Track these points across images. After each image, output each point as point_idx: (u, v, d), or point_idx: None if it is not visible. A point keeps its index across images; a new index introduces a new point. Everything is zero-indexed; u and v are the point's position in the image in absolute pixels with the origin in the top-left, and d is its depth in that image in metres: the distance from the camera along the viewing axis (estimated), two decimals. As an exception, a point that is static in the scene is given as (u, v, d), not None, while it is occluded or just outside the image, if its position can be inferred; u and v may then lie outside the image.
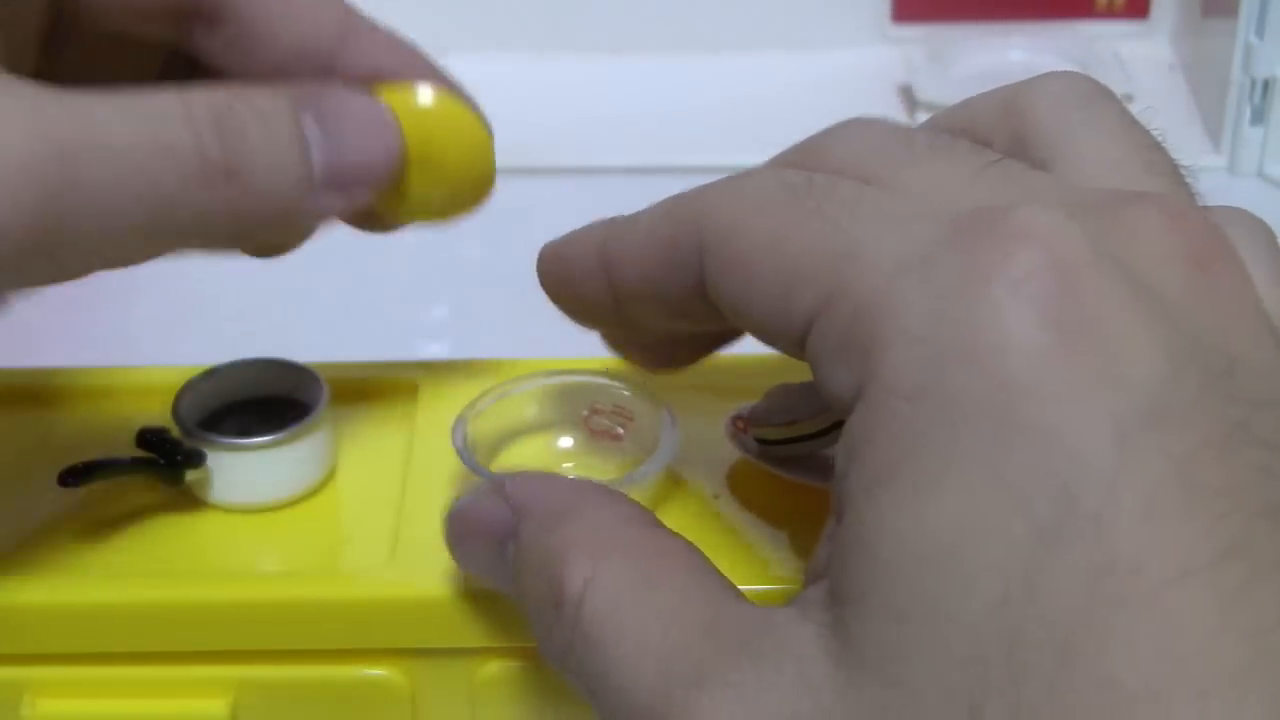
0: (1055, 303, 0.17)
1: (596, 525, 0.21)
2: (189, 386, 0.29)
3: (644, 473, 0.27)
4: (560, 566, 0.21)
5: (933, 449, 0.17)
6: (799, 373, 0.30)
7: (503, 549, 0.23)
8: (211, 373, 0.29)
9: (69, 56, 0.27)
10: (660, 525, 0.22)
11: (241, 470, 0.28)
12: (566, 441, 0.29)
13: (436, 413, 0.31)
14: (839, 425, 0.28)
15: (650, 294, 0.23)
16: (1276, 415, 0.17)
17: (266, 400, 0.29)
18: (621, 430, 0.29)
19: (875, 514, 0.17)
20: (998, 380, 0.17)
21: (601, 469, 0.29)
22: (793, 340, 0.20)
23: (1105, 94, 0.23)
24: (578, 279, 0.24)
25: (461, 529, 0.24)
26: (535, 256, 0.27)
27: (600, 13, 0.67)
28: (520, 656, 0.27)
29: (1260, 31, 0.56)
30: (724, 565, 0.26)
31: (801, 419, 0.28)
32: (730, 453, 0.29)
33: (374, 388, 0.32)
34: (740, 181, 0.22)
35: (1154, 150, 0.22)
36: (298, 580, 0.27)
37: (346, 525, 0.28)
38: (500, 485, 0.23)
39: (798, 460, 0.28)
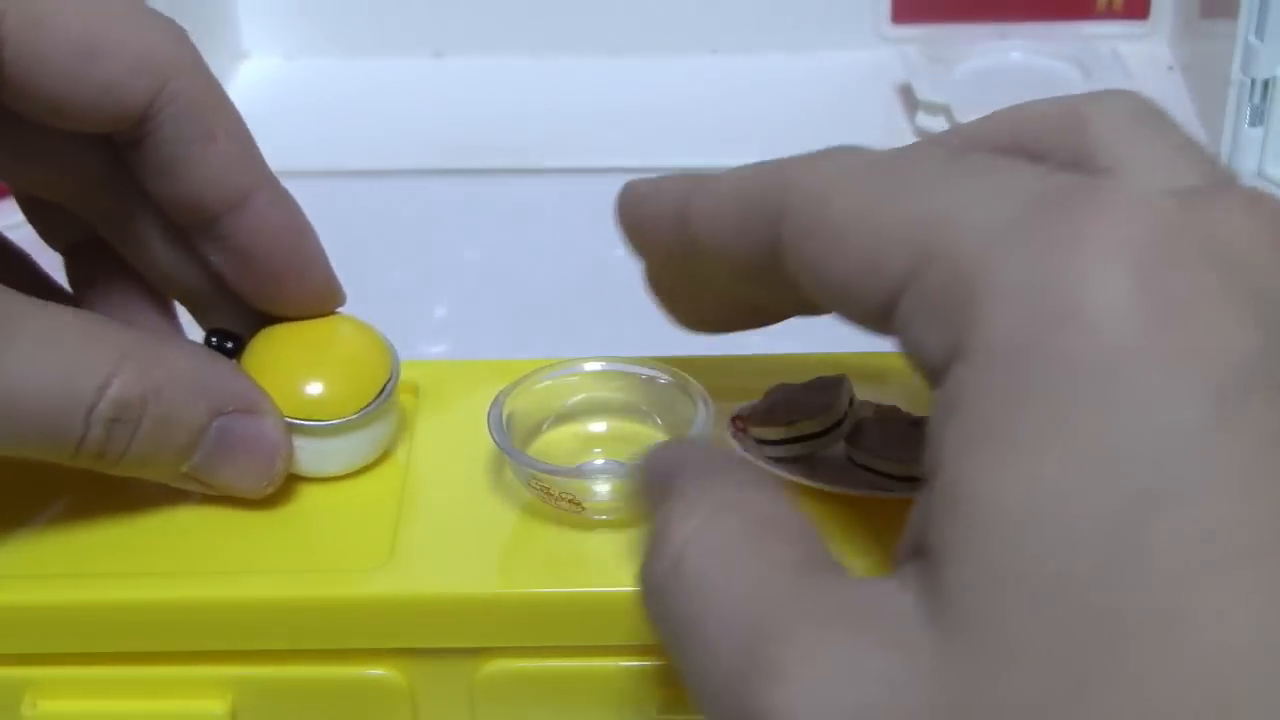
0: (1154, 272, 0.17)
1: (710, 481, 0.22)
2: None
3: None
4: (669, 512, 0.21)
5: (1034, 409, 0.17)
6: (799, 373, 0.30)
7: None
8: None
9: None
10: (780, 496, 0.22)
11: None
12: (599, 426, 0.30)
13: (436, 413, 0.31)
14: (839, 425, 0.28)
15: (722, 252, 0.23)
16: None
17: None
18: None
19: (974, 472, 0.18)
20: (1098, 344, 0.17)
21: (633, 454, 0.29)
22: (875, 306, 0.20)
23: (1163, 113, 0.23)
24: (655, 226, 0.25)
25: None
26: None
27: (600, 13, 0.67)
28: (520, 656, 0.27)
29: (1260, 32, 0.56)
30: (724, 565, 0.27)
31: (801, 419, 0.28)
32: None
33: (374, 388, 0.32)
34: (827, 153, 0.22)
35: (1214, 166, 0.22)
36: (298, 580, 0.27)
37: (346, 525, 0.28)
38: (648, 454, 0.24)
39: (798, 460, 0.28)
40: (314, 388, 0.28)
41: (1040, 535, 0.17)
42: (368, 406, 0.29)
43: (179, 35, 0.28)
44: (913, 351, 0.20)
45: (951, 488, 0.18)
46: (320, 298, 0.30)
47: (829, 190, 0.21)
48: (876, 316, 0.20)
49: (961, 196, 0.19)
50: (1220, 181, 0.22)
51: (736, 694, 0.19)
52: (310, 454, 0.29)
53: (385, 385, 0.29)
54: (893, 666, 0.18)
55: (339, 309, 0.31)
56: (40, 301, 0.26)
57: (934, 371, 0.19)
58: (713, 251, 0.23)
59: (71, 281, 0.32)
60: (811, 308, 0.24)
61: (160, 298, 0.32)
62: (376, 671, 0.27)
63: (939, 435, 0.18)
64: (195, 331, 0.32)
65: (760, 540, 0.20)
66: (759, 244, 0.22)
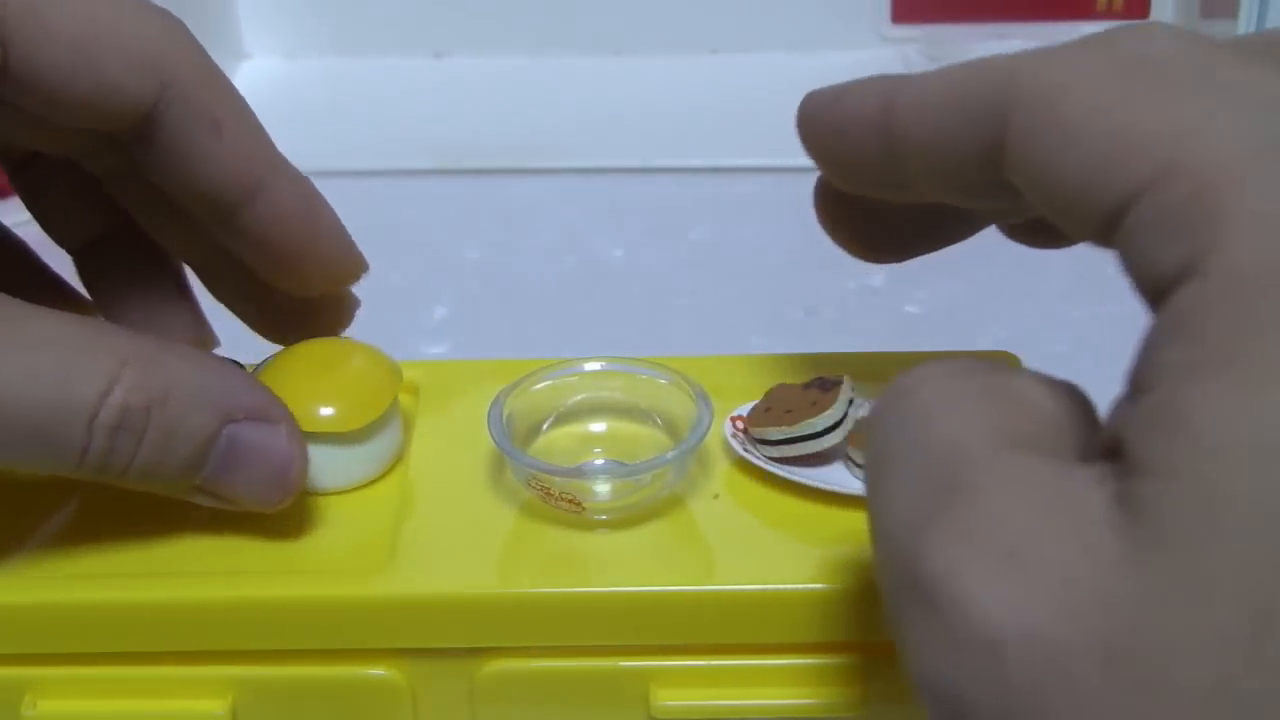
0: None
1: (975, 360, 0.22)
2: None
3: (676, 454, 0.27)
4: (904, 376, 0.21)
5: (1274, 340, 0.17)
6: (799, 373, 0.30)
7: None
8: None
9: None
10: (1046, 390, 0.21)
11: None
12: (599, 426, 0.30)
13: (436, 413, 0.31)
14: (839, 425, 0.28)
15: (933, 151, 0.22)
16: None
17: None
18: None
19: (1204, 395, 0.17)
20: None
21: (633, 453, 0.29)
22: (1102, 214, 0.19)
23: None
24: (852, 127, 0.24)
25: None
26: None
27: (600, 13, 0.67)
28: (520, 656, 0.27)
29: (1260, 32, 0.56)
30: (723, 565, 0.27)
31: (801, 419, 0.28)
32: (730, 453, 0.29)
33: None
34: (1059, 48, 0.21)
35: None
36: (298, 580, 0.27)
37: (347, 525, 0.28)
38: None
39: (798, 460, 0.28)
40: (326, 404, 0.28)
41: (1264, 468, 0.16)
42: (379, 417, 0.29)
43: (179, 30, 0.28)
44: (1136, 263, 0.19)
45: (1169, 407, 0.17)
46: (342, 273, 0.30)
47: (1062, 87, 0.20)
48: (1100, 225, 0.19)
49: (1214, 106, 0.19)
50: None
51: (911, 536, 0.18)
52: (319, 469, 0.28)
53: (394, 400, 0.29)
54: (1072, 561, 0.17)
55: (361, 276, 0.31)
56: (34, 306, 0.25)
57: (1157, 287, 0.18)
58: (921, 153, 0.22)
59: (85, 282, 0.32)
60: (1016, 214, 0.23)
61: (183, 293, 0.32)
62: (376, 671, 0.27)
63: (1159, 351, 0.18)
64: (219, 325, 0.32)
65: (994, 406, 0.20)
66: (976, 144, 0.21)
